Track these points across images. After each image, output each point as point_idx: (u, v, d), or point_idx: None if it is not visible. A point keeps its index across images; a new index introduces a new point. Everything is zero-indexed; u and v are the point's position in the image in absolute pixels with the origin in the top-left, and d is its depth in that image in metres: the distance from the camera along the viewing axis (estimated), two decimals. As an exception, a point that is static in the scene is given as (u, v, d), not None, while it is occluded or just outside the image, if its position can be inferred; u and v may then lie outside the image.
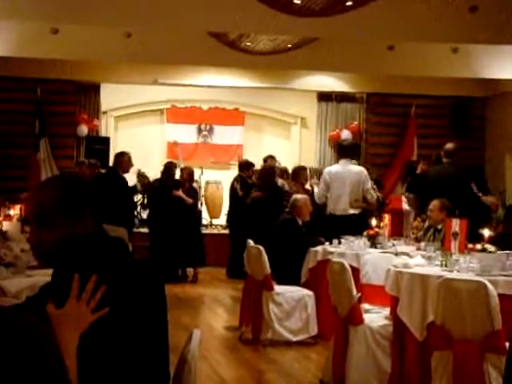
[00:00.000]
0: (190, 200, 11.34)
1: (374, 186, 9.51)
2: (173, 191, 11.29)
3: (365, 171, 9.07)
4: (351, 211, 8.85)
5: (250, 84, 14.16)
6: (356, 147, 9.44)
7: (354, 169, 9.03)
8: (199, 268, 11.45)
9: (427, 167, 10.53)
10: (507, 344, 4.23)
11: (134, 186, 10.95)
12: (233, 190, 11.82)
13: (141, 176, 11.31)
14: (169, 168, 11.66)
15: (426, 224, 8.13)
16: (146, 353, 2.17)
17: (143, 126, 15.04)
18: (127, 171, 10.61)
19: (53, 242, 2.25)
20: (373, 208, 9.12)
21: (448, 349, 4.60)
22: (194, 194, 11.67)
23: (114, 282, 2.15)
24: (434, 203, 7.81)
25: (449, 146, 9.26)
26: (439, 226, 7.69)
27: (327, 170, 9.40)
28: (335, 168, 9.17)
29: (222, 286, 11.21)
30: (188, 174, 11.69)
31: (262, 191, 10.93)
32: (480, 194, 9.12)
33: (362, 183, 8.89)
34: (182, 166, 12.46)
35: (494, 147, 14.09)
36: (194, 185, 12.10)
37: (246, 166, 12.02)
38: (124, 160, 10.56)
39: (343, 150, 9.23)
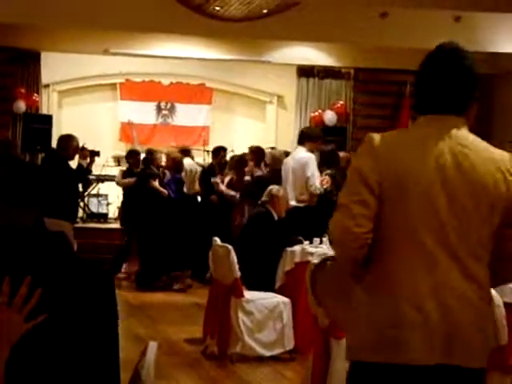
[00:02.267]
0: (165, 192, 11.28)
1: (323, 176, 9.40)
2: (149, 182, 11.26)
3: (312, 157, 9.19)
4: (293, 203, 9.06)
5: (219, 56, 14.13)
6: (315, 135, 9.56)
7: (300, 155, 9.22)
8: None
9: None
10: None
11: (81, 167, 10.87)
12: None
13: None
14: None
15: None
16: (90, 368, 2.16)
17: (92, 103, 14.98)
18: (72, 159, 10.55)
19: None
20: (311, 204, 9.12)
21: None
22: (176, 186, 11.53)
23: (53, 285, 2.13)
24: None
25: None
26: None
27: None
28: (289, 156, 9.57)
29: (184, 291, 11.20)
30: (173, 160, 11.60)
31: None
32: None
33: (305, 171, 9.06)
34: (138, 148, 12.43)
35: (500, 130, 14.22)
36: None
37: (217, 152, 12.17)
38: (72, 145, 10.48)
39: (300, 137, 9.55)
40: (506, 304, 4.58)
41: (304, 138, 9.40)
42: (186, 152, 12.21)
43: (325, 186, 9.17)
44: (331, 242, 2.83)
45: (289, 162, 9.42)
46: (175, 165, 11.48)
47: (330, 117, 14.34)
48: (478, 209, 2.64)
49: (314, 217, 8.82)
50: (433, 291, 2.60)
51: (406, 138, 2.81)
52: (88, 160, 10.46)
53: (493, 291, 4.09)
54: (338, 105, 14.56)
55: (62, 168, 10.34)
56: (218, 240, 7.54)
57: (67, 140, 10.58)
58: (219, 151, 12.19)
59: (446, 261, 2.61)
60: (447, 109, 2.78)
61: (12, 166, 2.30)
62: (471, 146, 2.72)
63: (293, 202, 9.02)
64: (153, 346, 2.45)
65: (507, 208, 2.68)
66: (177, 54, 13.98)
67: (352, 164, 2.77)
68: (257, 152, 11.14)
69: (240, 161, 11.41)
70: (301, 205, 9.06)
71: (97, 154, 11.35)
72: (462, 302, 2.62)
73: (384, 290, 2.63)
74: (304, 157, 9.19)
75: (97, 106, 15.01)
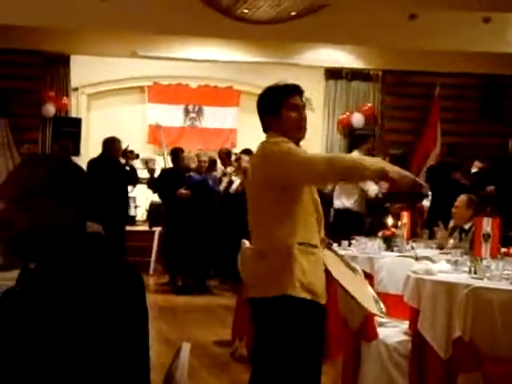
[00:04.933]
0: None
1: None
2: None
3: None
4: (346, 204, 9.12)
5: (247, 58, 14.14)
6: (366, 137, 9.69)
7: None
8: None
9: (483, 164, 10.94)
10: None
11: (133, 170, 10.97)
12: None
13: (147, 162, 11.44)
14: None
15: (451, 224, 8.17)
16: (121, 369, 2.17)
17: (121, 106, 15.03)
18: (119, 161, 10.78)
19: (26, 226, 2.24)
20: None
21: (477, 370, 4.62)
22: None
23: (86, 286, 2.15)
24: (461, 198, 7.90)
25: None
26: (466, 226, 7.76)
27: None
28: None
29: (213, 293, 11.23)
30: (210, 161, 11.70)
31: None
32: None
33: None
34: (165, 153, 12.45)
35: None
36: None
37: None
38: (120, 148, 10.68)
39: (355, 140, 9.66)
40: None
41: (359, 141, 9.53)
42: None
43: (384, 191, 9.29)
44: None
45: None
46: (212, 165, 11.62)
47: (357, 119, 14.30)
48: None
49: (349, 219, 8.91)
50: None
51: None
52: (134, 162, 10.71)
53: None
54: (366, 107, 14.51)
55: (116, 170, 10.50)
56: (247, 242, 7.53)
57: (114, 142, 10.72)
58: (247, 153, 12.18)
59: None
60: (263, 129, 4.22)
61: (60, 167, 2.33)
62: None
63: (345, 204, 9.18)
64: (186, 347, 2.46)
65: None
66: (205, 56, 14.00)
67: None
68: None
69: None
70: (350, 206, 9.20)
71: (137, 156, 11.52)
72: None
73: None
74: None
75: (125, 108, 15.06)
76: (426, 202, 11.25)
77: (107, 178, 10.22)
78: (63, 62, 14.06)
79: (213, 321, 9.35)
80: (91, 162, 10.71)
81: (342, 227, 8.74)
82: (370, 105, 14.54)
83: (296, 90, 4.16)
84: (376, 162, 3.84)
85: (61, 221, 2.27)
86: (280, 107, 4.07)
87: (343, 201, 9.62)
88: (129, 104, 15.09)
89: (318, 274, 4.02)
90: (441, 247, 7.53)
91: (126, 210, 11.12)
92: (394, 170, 3.76)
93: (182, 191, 11.19)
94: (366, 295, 4.27)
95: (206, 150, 13.14)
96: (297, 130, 4.08)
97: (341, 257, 4.49)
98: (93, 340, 2.14)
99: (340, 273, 4.19)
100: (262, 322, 4.03)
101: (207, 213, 11.15)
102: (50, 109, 13.84)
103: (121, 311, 2.19)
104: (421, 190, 3.88)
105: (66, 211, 2.28)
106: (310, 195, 4.05)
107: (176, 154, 11.82)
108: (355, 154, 3.63)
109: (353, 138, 10.40)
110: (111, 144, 10.73)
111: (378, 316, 4.46)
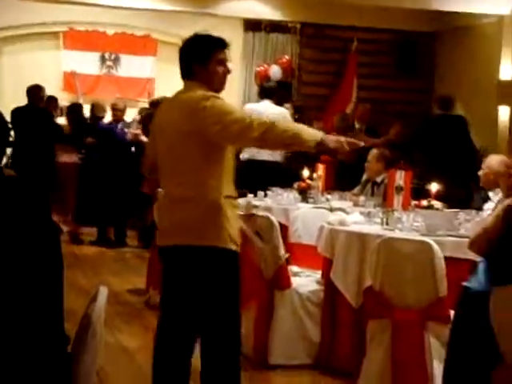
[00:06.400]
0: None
1: None
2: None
3: (287, 113, 9.34)
4: (271, 158, 9.23)
5: (165, 7, 13.93)
6: (282, 88, 9.82)
7: (275, 110, 9.32)
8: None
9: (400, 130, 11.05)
10: (452, 312, 4.39)
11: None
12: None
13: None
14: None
15: (364, 177, 8.32)
16: (34, 315, 2.17)
17: (34, 52, 14.65)
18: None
19: None
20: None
21: (386, 317, 4.75)
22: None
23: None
24: (372, 152, 8.06)
25: (444, 96, 10.25)
26: (378, 179, 7.92)
27: (250, 106, 9.79)
28: (257, 107, 9.50)
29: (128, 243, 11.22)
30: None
31: None
32: None
33: None
34: (81, 101, 12.29)
35: (442, 90, 14.36)
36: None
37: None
38: (41, 96, 10.55)
39: (266, 91, 9.77)
40: (446, 258, 4.70)
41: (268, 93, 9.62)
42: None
43: None
44: None
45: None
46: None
47: (275, 71, 14.30)
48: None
49: (260, 171, 8.98)
50: None
51: (168, 99, 4.43)
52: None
53: (433, 244, 4.30)
54: (284, 60, 14.51)
55: (44, 122, 10.39)
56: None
57: (39, 90, 10.60)
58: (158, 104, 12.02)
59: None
60: (183, 76, 4.21)
61: None
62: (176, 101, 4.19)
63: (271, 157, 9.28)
64: (103, 291, 2.48)
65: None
66: (122, 3, 13.70)
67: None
68: None
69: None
70: (278, 159, 9.40)
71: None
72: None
73: None
74: (283, 111, 9.40)
75: (39, 54, 14.67)
76: None
77: (33, 129, 10.15)
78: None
79: (127, 270, 9.36)
80: (15, 111, 10.52)
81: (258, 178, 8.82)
82: (287, 57, 14.54)
83: (224, 45, 4.30)
84: (313, 135, 3.87)
85: None
86: (209, 59, 4.16)
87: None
88: (43, 50, 14.71)
89: (238, 225, 4.18)
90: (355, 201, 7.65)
91: (52, 162, 10.96)
92: (331, 139, 3.86)
93: (89, 139, 11.14)
94: None
95: (124, 99, 12.97)
96: (220, 84, 4.20)
97: None
98: (3, 283, 2.12)
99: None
100: (185, 270, 4.09)
101: (117, 163, 11.05)
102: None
103: (33, 257, 2.19)
104: (360, 147, 3.96)
105: None
106: (233, 149, 4.18)
107: (74, 110, 11.76)
108: (294, 125, 3.67)
109: (262, 90, 10.39)
110: (35, 92, 10.58)
111: None
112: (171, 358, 4.14)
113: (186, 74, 4.20)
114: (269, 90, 9.81)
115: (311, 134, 3.90)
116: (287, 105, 11.48)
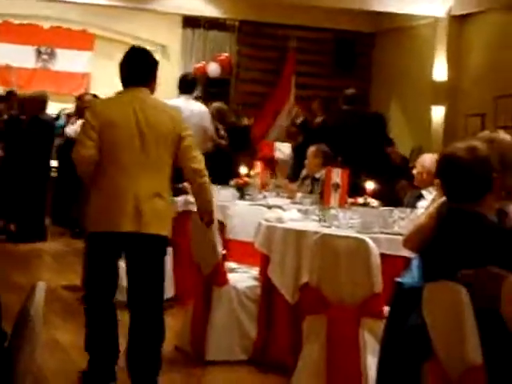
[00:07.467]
0: None
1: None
2: None
3: (206, 113, 9.27)
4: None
5: (102, 1, 13.84)
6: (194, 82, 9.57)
7: (194, 106, 9.19)
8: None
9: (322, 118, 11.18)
10: (386, 309, 4.47)
11: None
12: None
13: None
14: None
15: (303, 173, 8.39)
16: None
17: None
18: None
19: None
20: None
21: (322, 313, 4.81)
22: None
23: None
24: (310, 149, 8.14)
25: (349, 91, 10.04)
26: (317, 175, 7.99)
27: (170, 102, 9.71)
28: (178, 103, 9.37)
29: (64, 239, 11.13)
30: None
31: None
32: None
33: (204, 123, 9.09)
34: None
35: (379, 89, 14.56)
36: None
37: None
38: None
39: (185, 84, 9.33)
40: (381, 254, 4.78)
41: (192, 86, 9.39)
42: None
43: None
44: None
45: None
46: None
47: (213, 68, 14.32)
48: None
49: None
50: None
51: (116, 100, 4.87)
52: None
53: (369, 241, 4.40)
54: (222, 57, 14.55)
55: None
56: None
57: None
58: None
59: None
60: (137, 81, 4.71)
61: None
62: (150, 104, 4.72)
63: None
64: (41, 285, 2.48)
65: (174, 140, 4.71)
66: (59, -4, 13.62)
67: (84, 118, 4.81)
68: None
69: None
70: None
71: None
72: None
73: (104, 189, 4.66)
74: (202, 107, 9.29)
75: (-28, 47, 14.50)
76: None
77: None
78: None
79: (62, 266, 9.30)
80: None
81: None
82: (226, 54, 14.59)
83: None
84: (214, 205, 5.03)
85: None
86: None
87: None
88: (-24, 42, 14.53)
89: None
90: (291, 197, 7.71)
91: None
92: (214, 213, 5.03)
93: None
94: None
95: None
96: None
97: None
98: None
99: None
100: (152, 256, 4.95)
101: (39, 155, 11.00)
102: None
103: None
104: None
105: None
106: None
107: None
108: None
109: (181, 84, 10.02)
110: None
111: None
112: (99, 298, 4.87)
113: (140, 80, 4.75)
114: (188, 84, 9.45)
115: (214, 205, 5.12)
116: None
